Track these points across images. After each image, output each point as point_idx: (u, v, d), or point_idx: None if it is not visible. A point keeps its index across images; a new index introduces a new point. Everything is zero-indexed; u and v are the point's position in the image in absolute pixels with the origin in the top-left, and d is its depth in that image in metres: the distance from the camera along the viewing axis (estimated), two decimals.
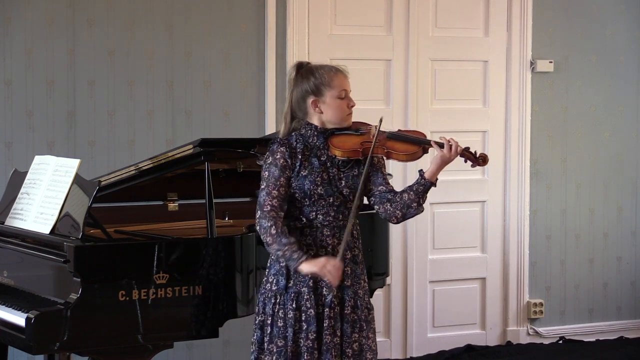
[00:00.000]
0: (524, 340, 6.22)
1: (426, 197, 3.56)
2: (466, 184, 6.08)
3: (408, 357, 5.96)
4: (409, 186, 3.56)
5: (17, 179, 4.18)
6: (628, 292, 6.51)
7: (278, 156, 3.53)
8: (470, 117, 6.07)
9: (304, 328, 3.48)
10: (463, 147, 3.57)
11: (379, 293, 5.31)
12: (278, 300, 3.51)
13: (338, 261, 3.44)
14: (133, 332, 3.65)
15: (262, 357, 3.53)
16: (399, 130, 3.66)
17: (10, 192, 4.20)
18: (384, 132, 3.59)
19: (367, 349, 3.56)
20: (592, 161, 6.36)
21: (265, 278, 3.58)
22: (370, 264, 4.38)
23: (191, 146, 3.87)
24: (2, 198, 4.30)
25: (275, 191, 3.49)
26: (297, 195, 3.52)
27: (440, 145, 3.53)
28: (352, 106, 3.60)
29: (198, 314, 3.77)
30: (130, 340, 3.65)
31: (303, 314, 3.49)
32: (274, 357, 3.48)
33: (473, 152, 3.60)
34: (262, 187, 3.52)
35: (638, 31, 6.39)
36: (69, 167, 3.90)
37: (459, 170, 5.97)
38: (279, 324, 3.49)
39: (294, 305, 3.48)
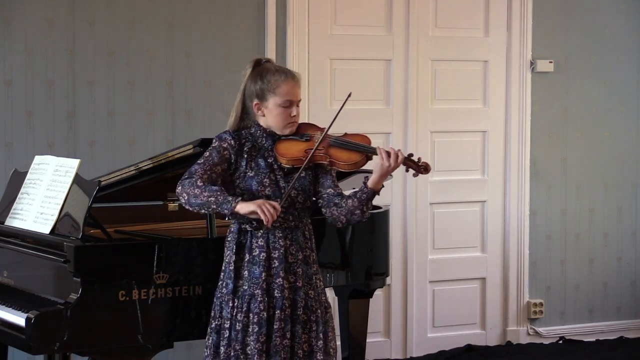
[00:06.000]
0: (524, 340, 6.22)
1: (370, 204, 3.52)
2: (466, 184, 6.08)
3: (408, 357, 5.96)
4: (354, 192, 3.52)
5: (17, 179, 4.18)
6: (628, 292, 6.50)
7: (225, 145, 3.53)
8: (470, 117, 6.07)
9: (255, 330, 3.47)
10: (406, 154, 3.50)
11: (379, 293, 5.31)
12: (236, 304, 3.50)
13: (277, 204, 3.40)
14: (133, 332, 3.65)
15: None
16: (346, 134, 3.59)
17: (10, 192, 4.20)
18: (330, 137, 3.53)
19: (318, 349, 3.52)
20: (592, 161, 6.35)
21: (220, 282, 3.59)
22: (370, 264, 4.38)
23: (191, 146, 3.86)
24: (2, 198, 4.30)
25: (209, 171, 3.47)
26: (245, 196, 3.49)
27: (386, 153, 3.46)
28: (294, 116, 3.53)
29: (198, 314, 3.78)
30: (130, 340, 3.65)
31: (255, 317, 3.47)
32: None
33: (416, 159, 3.52)
34: (198, 162, 3.50)
35: (638, 31, 6.39)
36: (69, 167, 3.90)
37: (459, 170, 6.07)
38: (237, 328, 3.49)
39: (244, 308, 3.48)
